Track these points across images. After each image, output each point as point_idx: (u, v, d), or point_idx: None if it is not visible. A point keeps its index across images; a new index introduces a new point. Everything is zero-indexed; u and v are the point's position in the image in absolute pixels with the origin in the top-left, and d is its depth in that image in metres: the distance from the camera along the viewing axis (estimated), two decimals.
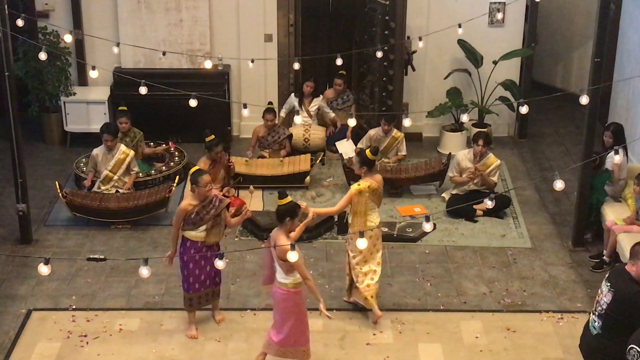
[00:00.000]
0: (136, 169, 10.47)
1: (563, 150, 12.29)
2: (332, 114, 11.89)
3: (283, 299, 7.16)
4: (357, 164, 8.08)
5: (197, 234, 7.73)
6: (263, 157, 11.31)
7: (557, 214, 10.41)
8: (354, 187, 8.01)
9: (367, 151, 8.14)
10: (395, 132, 11.08)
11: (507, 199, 10.39)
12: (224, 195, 10.14)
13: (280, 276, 7.11)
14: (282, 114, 11.91)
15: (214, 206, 7.72)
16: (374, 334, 8.03)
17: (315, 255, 9.40)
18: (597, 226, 9.61)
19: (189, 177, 7.84)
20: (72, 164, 11.11)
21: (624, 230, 8.88)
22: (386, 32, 11.37)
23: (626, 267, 6.31)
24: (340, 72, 11.82)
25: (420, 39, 10.44)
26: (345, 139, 11.71)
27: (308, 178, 9.43)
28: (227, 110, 12.09)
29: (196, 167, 7.93)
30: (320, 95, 11.96)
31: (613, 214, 9.26)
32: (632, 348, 5.83)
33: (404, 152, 11.16)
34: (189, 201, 7.72)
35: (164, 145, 11.36)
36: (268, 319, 8.21)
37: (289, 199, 7.12)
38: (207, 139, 10.02)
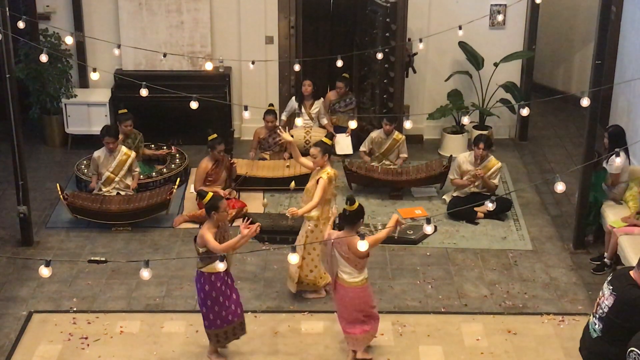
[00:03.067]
0: (138, 169, 10.48)
1: (564, 153, 12.28)
2: (326, 121, 11.87)
3: (358, 297, 7.33)
4: (320, 153, 8.26)
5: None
6: (264, 159, 11.32)
7: (558, 216, 10.40)
8: (325, 176, 8.21)
9: (326, 138, 8.47)
10: (396, 135, 11.08)
11: (508, 202, 10.38)
12: (225, 198, 10.18)
13: (351, 277, 7.26)
14: (284, 117, 11.88)
15: (225, 230, 7.49)
16: (375, 337, 8.02)
17: None
18: (596, 226, 9.61)
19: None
20: (73, 166, 11.11)
21: (625, 232, 8.88)
22: (387, 34, 11.38)
23: (631, 272, 6.30)
24: (344, 74, 11.81)
25: (421, 41, 10.44)
26: (346, 134, 11.70)
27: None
28: (228, 112, 12.10)
29: (210, 194, 7.37)
30: (322, 98, 11.96)
31: (614, 217, 9.25)
32: (632, 351, 5.83)
33: (405, 155, 11.16)
34: (209, 230, 7.23)
35: (165, 148, 11.36)
36: (269, 321, 8.23)
37: (357, 203, 7.20)
38: (210, 138, 10.05)
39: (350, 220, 7.21)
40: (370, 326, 7.54)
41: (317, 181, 8.25)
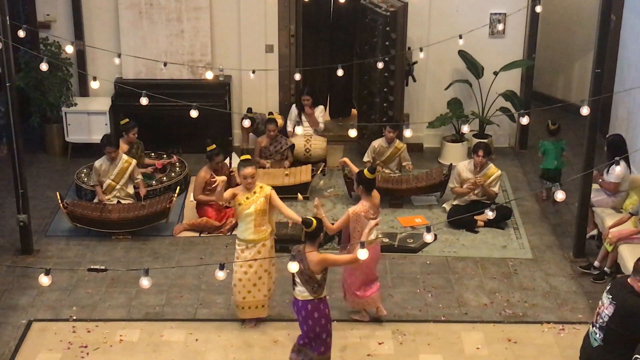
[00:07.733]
0: (140, 176, 10.47)
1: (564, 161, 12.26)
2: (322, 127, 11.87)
3: (380, 251, 8.39)
4: (256, 170, 8.23)
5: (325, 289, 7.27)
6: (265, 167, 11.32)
7: (558, 224, 10.40)
8: (270, 188, 8.14)
9: (246, 155, 8.59)
10: (397, 143, 11.09)
11: (508, 210, 10.38)
12: (225, 206, 10.18)
13: (373, 236, 8.02)
14: (290, 127, 11.82)
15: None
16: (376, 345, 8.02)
17: None
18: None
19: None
20: (73, 174, 11.12)
21: (625, 241, 8.84)
22: (387, 43, 11.40)
23: (629, 280, 6.30)
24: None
25: (421, 49, 10.46)
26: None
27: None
28: (228, 120, 12.10)
29: (315, 222, 7.07)
30: (321, 105, 11.95)
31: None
32: (636, 358, 5.82)
33: (409, 161, 11.17)
34: (319, 254, 7.18)
35: (165, 157, 11.38)
36: (268, 329, 8.22)
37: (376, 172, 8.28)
38: (208, 149, 10.05)
39: (374, 185, 8.23)
40: (377, 286, 8.36)
41: (266, 197, 7.95)
